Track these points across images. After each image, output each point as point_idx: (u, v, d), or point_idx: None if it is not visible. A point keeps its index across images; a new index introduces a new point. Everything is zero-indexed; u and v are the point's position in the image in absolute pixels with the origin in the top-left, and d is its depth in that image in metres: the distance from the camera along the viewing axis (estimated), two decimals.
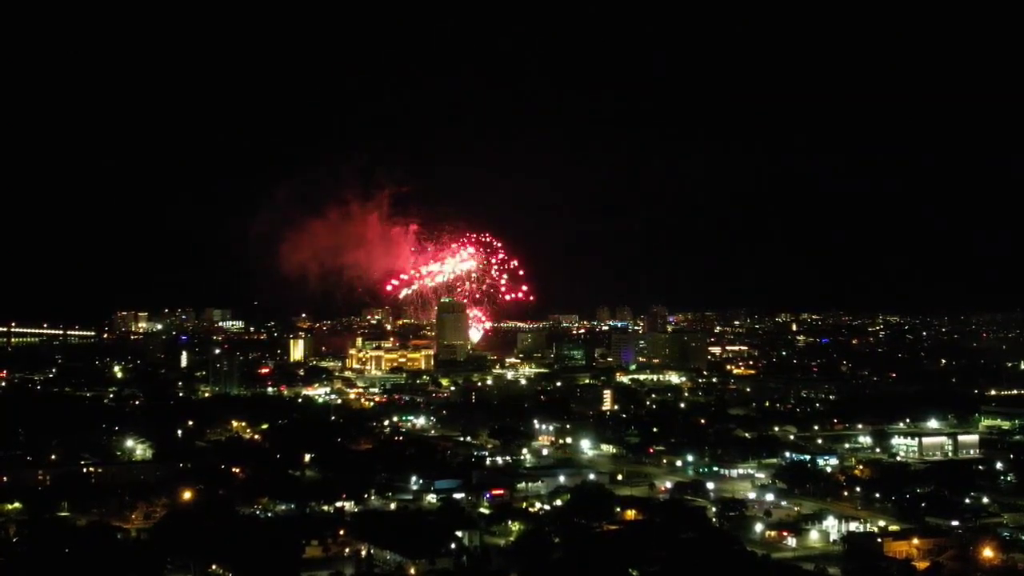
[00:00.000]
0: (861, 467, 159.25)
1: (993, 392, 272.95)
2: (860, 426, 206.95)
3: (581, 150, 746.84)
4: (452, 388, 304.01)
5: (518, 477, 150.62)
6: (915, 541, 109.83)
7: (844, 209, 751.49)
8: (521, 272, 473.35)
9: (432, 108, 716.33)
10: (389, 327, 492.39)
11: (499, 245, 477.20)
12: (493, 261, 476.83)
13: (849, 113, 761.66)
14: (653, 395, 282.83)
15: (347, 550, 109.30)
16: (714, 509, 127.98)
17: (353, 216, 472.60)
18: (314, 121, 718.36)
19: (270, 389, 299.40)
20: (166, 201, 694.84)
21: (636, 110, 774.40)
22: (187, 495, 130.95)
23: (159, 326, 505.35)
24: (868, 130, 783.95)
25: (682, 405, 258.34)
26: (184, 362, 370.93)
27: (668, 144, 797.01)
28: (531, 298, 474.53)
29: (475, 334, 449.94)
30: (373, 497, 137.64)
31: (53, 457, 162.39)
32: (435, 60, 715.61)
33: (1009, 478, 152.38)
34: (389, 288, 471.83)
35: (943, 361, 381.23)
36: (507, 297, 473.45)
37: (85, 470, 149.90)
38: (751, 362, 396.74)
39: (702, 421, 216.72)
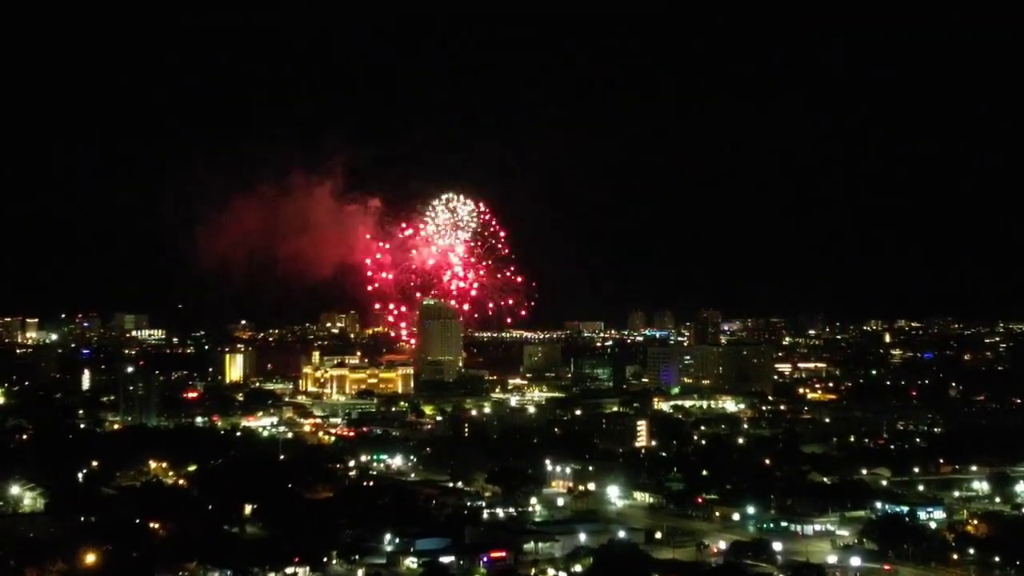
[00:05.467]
0: (975, 522, 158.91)
1: None
2: (975, 468, 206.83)
3: (608, 111, 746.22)
4: (438, 418, 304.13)
5: (525, 535, 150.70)
6: None
7: (952, 189, 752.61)
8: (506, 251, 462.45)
9: (404, 53, 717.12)
10: (355, 337, 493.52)
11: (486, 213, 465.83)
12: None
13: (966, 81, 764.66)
14: (702, 427, 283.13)
15: None
16: None
17: (296, 192, 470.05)
18: (245, 69, 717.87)
19: (199, 419, 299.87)
20: (59, 177, 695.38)
21: (679, 67, 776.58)
22: (91, 558, 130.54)
23: (53, 336, 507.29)
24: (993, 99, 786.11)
25: (740, 441, 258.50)
26: (86, 383, 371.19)
27: (721, 106, 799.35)
28: (517, 278, 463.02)
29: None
30: (335, 561, 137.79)
31: None
32: None
33: None
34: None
35: None
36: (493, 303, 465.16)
37: None
38: (831, 384, 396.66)
39: (767, 462, 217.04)
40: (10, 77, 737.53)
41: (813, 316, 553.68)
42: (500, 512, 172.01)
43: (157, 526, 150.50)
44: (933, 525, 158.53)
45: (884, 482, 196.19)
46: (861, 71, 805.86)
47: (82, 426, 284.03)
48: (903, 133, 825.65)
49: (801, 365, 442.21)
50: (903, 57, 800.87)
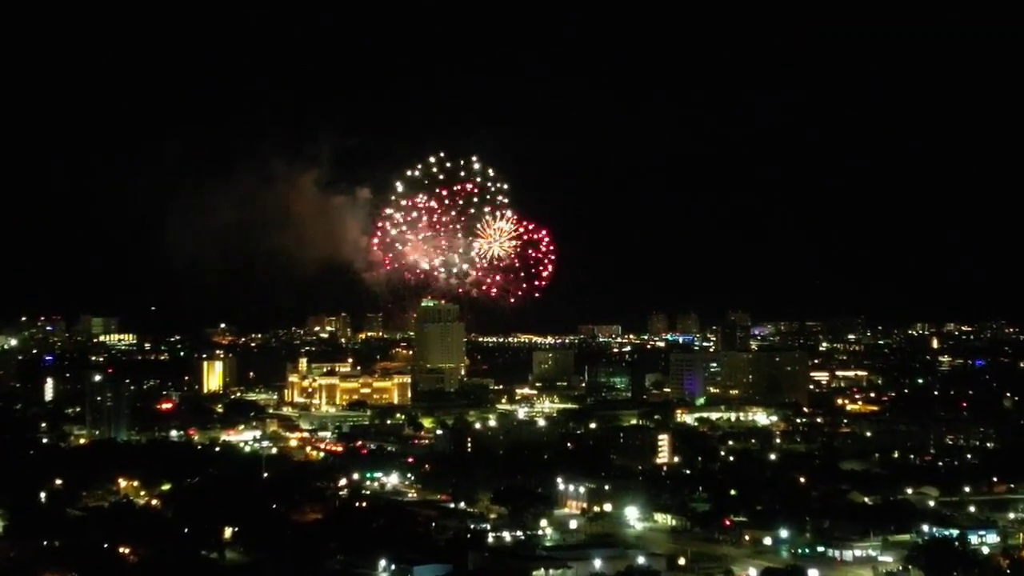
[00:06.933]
0: None
1: None
2: None
3: (621, 102, 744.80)
4: (438, 432, 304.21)
5: (534, 561, 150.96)
6: None
7: (1004, 181, 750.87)
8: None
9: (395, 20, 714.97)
10: (346, 342, 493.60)
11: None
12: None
13: None
14: (730, 442, 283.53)
15: None
16: None
17: (278, 182, 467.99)
18: (220, 52, 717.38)
19: (175, 433, 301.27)
20: (18, 167, 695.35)
21: (692, 60, 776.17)
22: None
23: (13, 341, 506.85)
24: None
25: (772, 456, 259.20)
26: (50, 393, 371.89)
27: (744, 96, 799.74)
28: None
29: None
30: None
31: None
32: None
33: None
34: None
35: None
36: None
37: None
38: (872, 394, 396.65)
39: (802, 480, 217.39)
40: None
41: (852, 319, 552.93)
42: (507, 536, 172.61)
43: (128, 551, 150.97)
44: (986, 550, 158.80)
45: (931, 503, 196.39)
46: (911, 61, 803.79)
47: (45, 441, 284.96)
48: (954, 125, 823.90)
49: (839, 373, 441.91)
50: (964, 46, 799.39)
